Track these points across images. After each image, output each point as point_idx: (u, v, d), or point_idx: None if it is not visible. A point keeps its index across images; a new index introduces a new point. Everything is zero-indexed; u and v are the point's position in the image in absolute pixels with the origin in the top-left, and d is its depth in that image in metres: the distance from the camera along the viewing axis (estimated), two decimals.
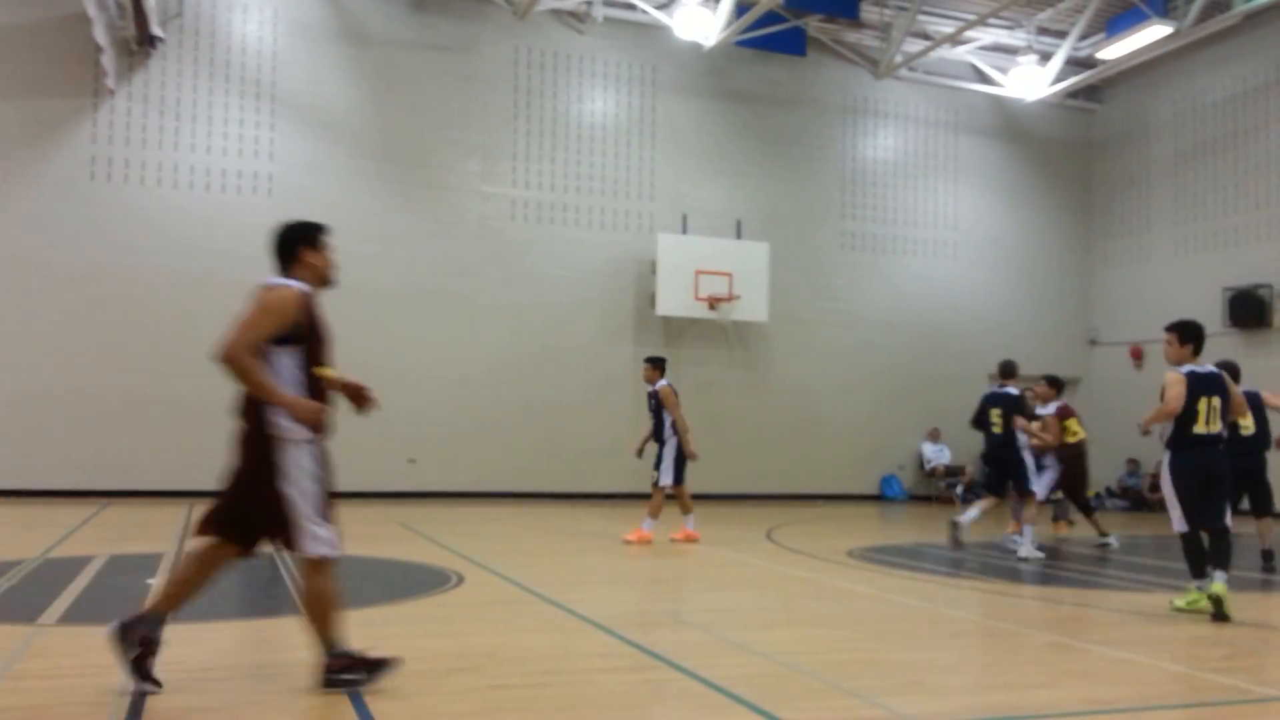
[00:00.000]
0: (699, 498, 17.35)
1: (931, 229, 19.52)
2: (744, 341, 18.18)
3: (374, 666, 4.40)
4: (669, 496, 10.81)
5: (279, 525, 4.28)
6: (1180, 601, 6.93)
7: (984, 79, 19.50)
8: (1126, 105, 19.91)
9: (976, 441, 19.23)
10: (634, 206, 17.71)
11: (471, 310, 16.62)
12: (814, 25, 18.46)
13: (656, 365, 11.08)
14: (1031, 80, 18.82)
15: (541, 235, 17.10)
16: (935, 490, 18.75)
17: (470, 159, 16.90)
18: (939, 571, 9.18)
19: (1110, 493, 18.52)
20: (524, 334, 16.78)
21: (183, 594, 4.39)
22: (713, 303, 17.21)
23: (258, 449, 4.28)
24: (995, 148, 20.06)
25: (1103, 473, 17.60)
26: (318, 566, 4.34)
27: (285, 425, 4.25)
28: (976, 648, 5.90)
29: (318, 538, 4.28)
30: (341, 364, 4.15)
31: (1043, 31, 18.68)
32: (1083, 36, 18.02)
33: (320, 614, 4.38)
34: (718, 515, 14.58)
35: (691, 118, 18.18)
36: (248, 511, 4.33)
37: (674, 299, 17.12)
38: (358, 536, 10.52)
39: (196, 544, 4.42)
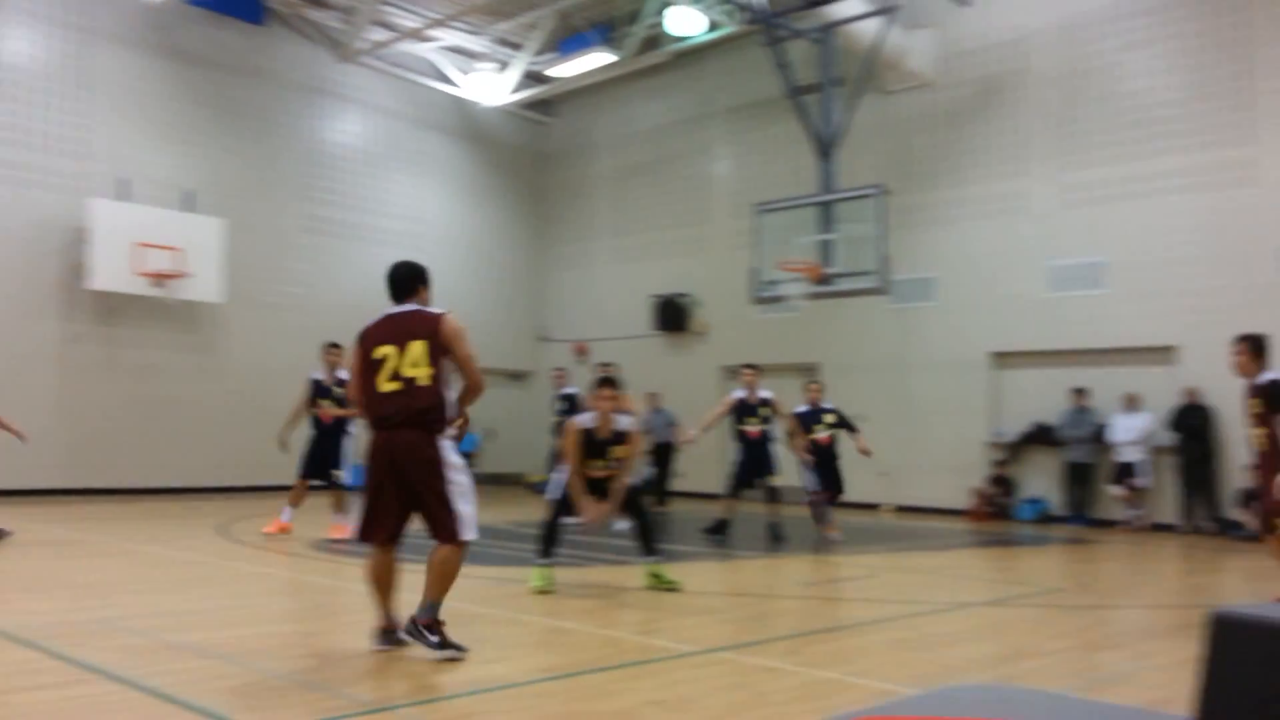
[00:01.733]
0: (135, 492, 15.90)
1: (397, 220, 19.68)
2: (196, 323, 16.92)
3: (446, 644, 5.13)
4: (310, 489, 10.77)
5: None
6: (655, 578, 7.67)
7: (447, 79, 20.09)
8: (575, 122, 21.70)
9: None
10: (60, 165, 15.61)
11: None
12: None
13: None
14: (490, 86, 19.80)
15: None
16: None
17: None
18: (411, 559, 9.24)
19: None
20: None
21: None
22: (159, 279, 15.77)
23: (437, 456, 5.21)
24: (458, 147, 20.77)
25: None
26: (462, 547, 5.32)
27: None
28: None
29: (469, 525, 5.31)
30: None
31: (502, 42, 19.69)
32: (538, 52, 19.25)
33: (448, 579, 5.34)
34: (162, 510, 13.45)
35: (135, 75, 16.48)
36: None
37: (111, 272, 15.39)
38: None
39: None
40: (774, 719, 4.18)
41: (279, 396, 17.60)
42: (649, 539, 7.62)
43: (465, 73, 20.00)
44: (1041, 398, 14.82)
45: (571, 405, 12.93)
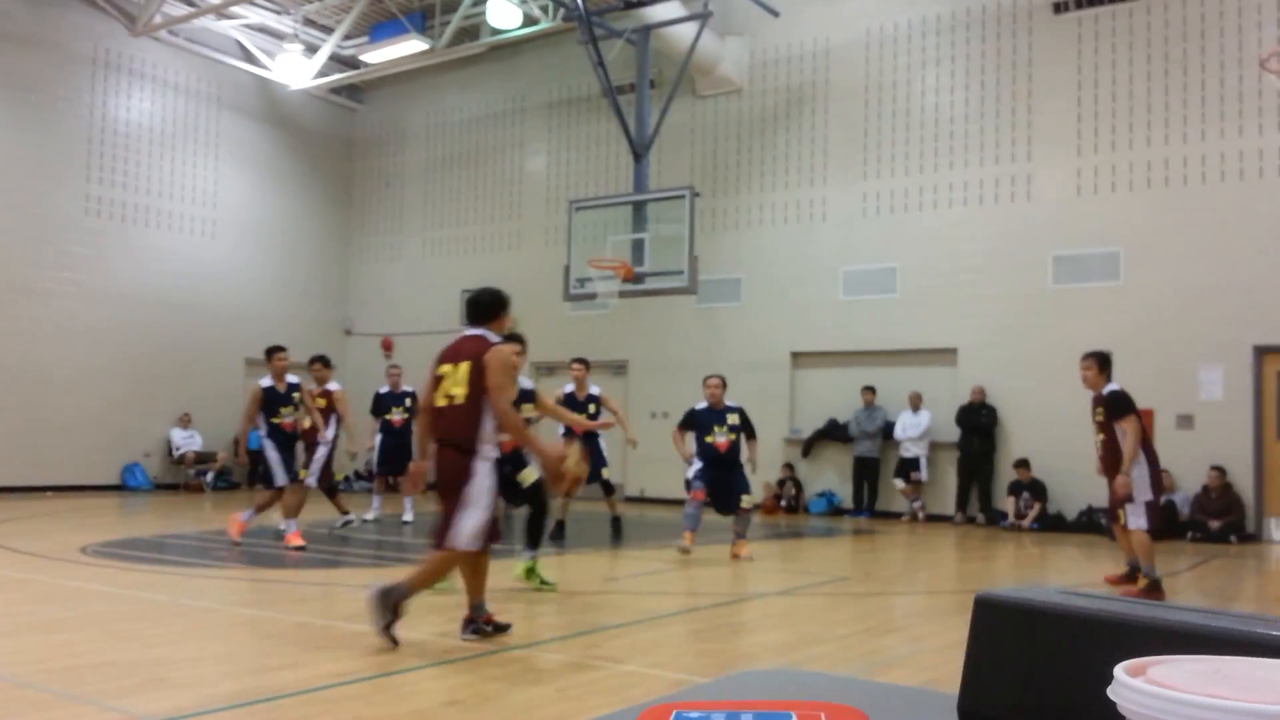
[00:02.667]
0: None
1: (190, 204, 18.63)
2: None
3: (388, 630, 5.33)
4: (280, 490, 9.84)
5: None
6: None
7: (250, 58, 19.18)
8: (386, 110, 21.14)
9: (229, 428, 18.92)
10: None
11: None
12: None
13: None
14: (297, 69, 19.01)
15: None
16: (185, 478, 17.93)
17: None
18: (184, 563, 8.80)
19: (358, 475, 19.30)
20: None
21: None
22: None
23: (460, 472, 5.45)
24: (260, 130, 19.84)
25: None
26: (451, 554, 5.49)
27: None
28: (221, 637, 5.77)
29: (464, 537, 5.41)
30: None
31: (309, 23, 18.96)
32: (347, 36, 18.64)
33: (428, 578, 5.55)
34: None
35: None
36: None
37: None
38: None
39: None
40: (572, 713, 4.17)
41: (51, 391, 16.43)
42: (536, 533, 7.47)
43: (271, 54, 19.14)
44: (835, 396, 15.50)
45: (414, 403, 12.57)
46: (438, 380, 5.60)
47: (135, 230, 17.76)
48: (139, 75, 17.96)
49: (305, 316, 20.15)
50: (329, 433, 10.64)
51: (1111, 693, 0.70)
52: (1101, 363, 7.94)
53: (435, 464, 5.54)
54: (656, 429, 14.92)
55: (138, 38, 17.63)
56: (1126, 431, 7.61)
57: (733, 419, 9.89)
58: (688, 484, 9.91)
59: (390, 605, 5.28)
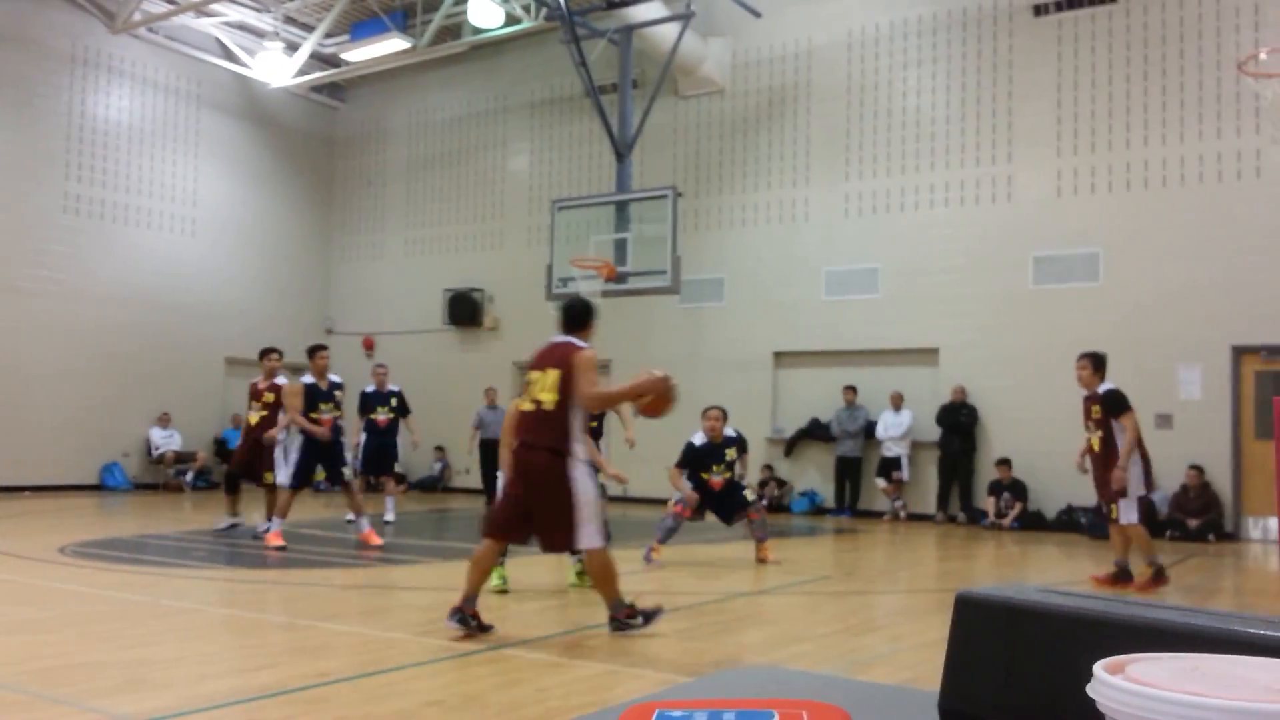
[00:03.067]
0: None
1: (170, 202, 18.51)
2: None
3: (648, 616, 5.70)
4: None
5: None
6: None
7: (230, 56, 19.07)
8: (367, 108, 21.06)
9: (209, 428, 18.83)
10: None
11: None
12: None
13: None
14: (277, 67, 18.90)
15: None
16: (164, 478, 17.81)
17: None
18: (164, 563, 8.74)
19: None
20: None
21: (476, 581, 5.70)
22: None
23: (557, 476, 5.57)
24: (240, 128, 19.73)
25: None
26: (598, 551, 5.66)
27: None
28: (200, 638, 5.74)
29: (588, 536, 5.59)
30: None
31: (290, 21, 18.86)
32: (328, 34, 18.55)
33: (606, 579, 5.70)
34: None
35: None
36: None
37: None
38: None
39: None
40: (555, 713, 4.17)
41: (28, 390, 16.29)
42: None
43: (251, 52, 19.03)
44: (817, 396, 15.54)
45: (400, 403, 12.50)
46: (525, 386, 5.84)
47: (114, 228, 17.63)
48: (118, 73, 17.82)
49: (286, 315, 20.04)
50: (279, 431, 10.22)
51: (1091, 690, 0.71)
52: (1096, 363, 8.16)
53: (522, 465, 5.65)
54: (639, 428, 14.91)
55: (117, 35, 17.49)
56: (1125, 428, 7.86)
57: (730, 454, 9.32)
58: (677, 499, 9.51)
59: (627, 616, 5.66)
